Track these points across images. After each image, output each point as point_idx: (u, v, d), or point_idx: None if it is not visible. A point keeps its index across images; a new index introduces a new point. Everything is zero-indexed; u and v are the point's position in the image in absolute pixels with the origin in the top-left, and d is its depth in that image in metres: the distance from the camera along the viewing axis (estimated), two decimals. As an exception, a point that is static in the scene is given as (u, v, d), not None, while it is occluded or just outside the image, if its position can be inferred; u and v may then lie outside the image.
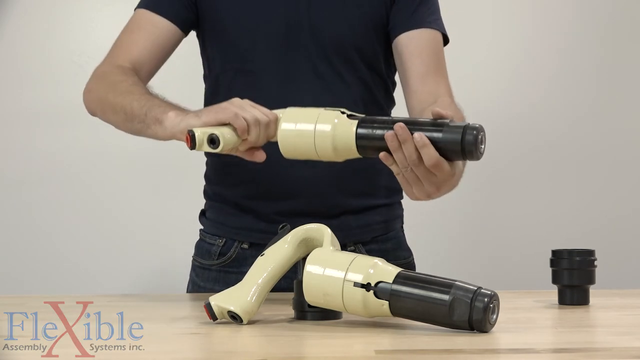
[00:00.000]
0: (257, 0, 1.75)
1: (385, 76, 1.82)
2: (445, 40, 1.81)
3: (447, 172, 1.39)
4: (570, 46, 2.91)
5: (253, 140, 1.48)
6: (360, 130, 1.42)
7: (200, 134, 1.45)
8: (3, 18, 2.73)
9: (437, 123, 1.38)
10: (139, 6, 1.81)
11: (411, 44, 1.76)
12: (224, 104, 1.50)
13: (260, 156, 1.53)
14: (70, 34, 2.87)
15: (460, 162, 1.46)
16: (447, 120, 1.38)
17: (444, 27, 1.81)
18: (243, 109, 1.48)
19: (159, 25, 1.77)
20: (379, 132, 1.40)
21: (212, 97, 1.81)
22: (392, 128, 1.38)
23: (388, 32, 1.79)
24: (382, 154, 1.40)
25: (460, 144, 1.35)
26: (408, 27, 1.77)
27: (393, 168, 1.42)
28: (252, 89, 1.74)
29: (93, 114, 1.76)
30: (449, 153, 1.37)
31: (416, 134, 1.36)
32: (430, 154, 1.36)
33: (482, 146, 1.37)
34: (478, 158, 1.36)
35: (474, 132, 1.35)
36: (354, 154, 1.44)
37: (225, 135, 1.46)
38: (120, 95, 1.65)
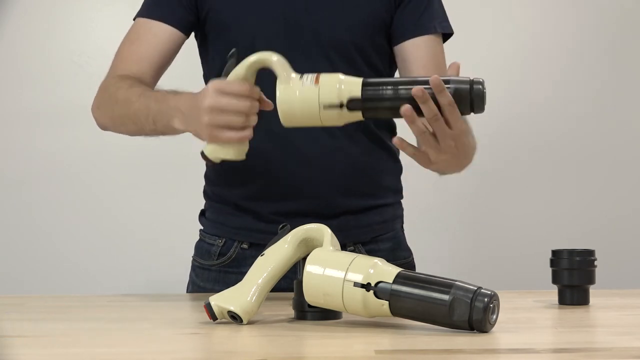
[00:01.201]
0: (257, 1, 1.75)
1: (387, 75, 1.82)
2: (449, 35, 1.82)
3: (460, 123, 1.43)
4: (572, 46, 2.91)
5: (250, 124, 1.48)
6: (367, 92, 1.41)
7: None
8: (3, 18, 2.73)
9: (444, 80, 1.41)
10: (139, 15, 1.81)
11: (416, 53, 1.78)
12: (203, 123, 1.46)
13: (268, 105, 1.51)
14: (70, 34, 2.87)
15: (471, 138, 1.55)
16: (451, 76, 1.42)
17: (449, 25, 1.82)
18: (218, 124, 1.45)
19: (160, 33, 1.77)
20: (388, 92, 1.41)
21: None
22: (397, 88, 1.40)
23: (390, 33, 1.79)
24: (405, 109, 1.39)
25: (469, 94, 1.40)
26: (414, 34, 1.78)
27: (414, 127, 1.42)
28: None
29: (105, 129, 1.77)
30: (458, 104, 1.41)
31: (432, 78, 1.39)
32: (446, 96, 1.39)
33: (486, 99, 1.41)
34: (483, 110, 1.41)
35: (481, 85, 1.40)
36: (359, 117, 1.43)
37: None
38: (124, 107, 1.65)
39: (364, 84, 1.42)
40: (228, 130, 1.46)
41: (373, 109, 1.43)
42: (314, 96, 1.41)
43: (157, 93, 1.64)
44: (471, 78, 1.41)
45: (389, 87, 1.41)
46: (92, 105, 1.77)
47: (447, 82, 1.41)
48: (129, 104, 1.65)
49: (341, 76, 1.43)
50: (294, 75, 1.43)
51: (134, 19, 1.82)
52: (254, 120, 1.48)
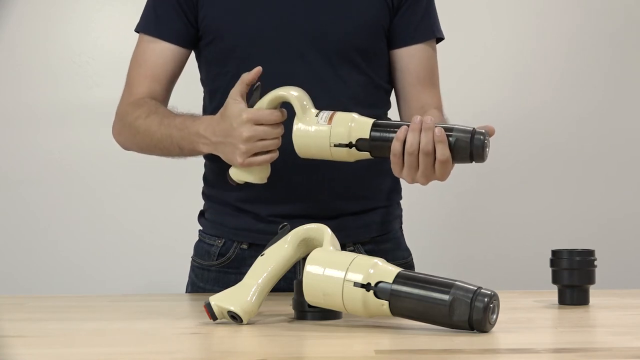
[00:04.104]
0: (254, 6, 1.74)
1: (386, 78, 1.82)
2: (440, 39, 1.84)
3: (447, 172, 1.49)
4: (573, 47, 2.90)
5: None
6: (374, 133, 1.49)
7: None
8: (3, 18, 2.73)
9: (447, 128, 1.47)
10: (141, 29, 1.81)
11: (411, 61, 1.80)
12: (240, 151, 1.56)
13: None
14: (70, 34, 2.87)
15: None
16: (456, 125, 1.48)
17: (441, 30, 1.83)
18: (255, 151, 1.56)
19: (163, 53, 1.78)
20: (392, 134, 1.49)
21: (210, 101, 1.81)
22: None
23: (388, 37, 1.79)
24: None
25: (469, 147, 1.45)
26: (410, 42, 1.80)
27: (396, 149, 1.48)
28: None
29: (129, 150, 1.83)
30: (457, 154, 1.47)
31: (437, 129, 1.46)
32: (444, 151, 1.46)
33: (487, 150, 1.47)
34: (483, 160, 1.47)
35: (482, 136, 1.45)
36: (367, 155, 1.52)
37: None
38: (145, 137, 1.72)
39: (373, 125, 1.50)
40: (261, 155, 1.58)
41: (379, 149, 1.51)
42: (326, 135, 1.52)
43: (177, 120, 1.69)
44: (474, 128, 1.46)
45: (396, 130, 1.49)
46: (113, 131, 1.82)
47: (450, 129, 1.47)
48: (150, 135, 1.72)
49: (355, 115, 1.52)
50: (313, 110, 1.54)
51: (136, 31, 1.82)
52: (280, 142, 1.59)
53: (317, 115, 1.53)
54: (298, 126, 1.53)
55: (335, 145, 1.51)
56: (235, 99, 1.58)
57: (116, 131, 1.82)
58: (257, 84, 1.56)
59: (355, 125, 1.51)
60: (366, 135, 1.50)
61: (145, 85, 1.78)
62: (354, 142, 1.50)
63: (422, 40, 1.80)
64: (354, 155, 1.52)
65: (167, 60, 1.78)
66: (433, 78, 1.82)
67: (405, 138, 1.48)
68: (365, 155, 1.52)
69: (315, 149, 1.53)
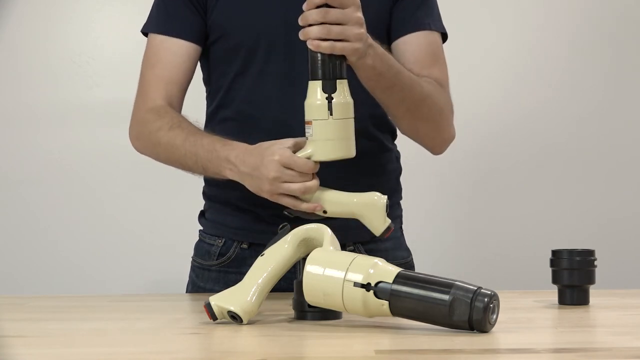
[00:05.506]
0: (258, 5, 1.74)
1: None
2: (445, 38, 1.82)
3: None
4: (573, 48, 2.90)
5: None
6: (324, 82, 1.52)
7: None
8: (3, 18, 2.73)
9: None
10: (151, 29, 1.78)
11: (408, 49, 1.77)
12: (264, 189, 1.56)
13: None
14: (70, 34, 2.87)
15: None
16: None
17: (443, 26, 1.82)
18: (278, 192, 1.55)
19: (179, 52, 1.75)
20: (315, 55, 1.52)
21: (211, 100, 1.81)
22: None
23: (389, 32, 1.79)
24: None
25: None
26: (407, 31, 1.77)
27: (324, 45, 1.50)
28: (252, 91, 1.74)
29: (144, 155, 1.81)
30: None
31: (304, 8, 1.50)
32: None
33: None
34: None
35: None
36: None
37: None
38: (167, 151, 1.70)
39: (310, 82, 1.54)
40: (287, 196, 1.56)
41: (331, 65, 1.52)
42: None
43: (205, 140, 1.66)
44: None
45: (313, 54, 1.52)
46: (130, 134, 1.79)
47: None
48: (173, 149, 1.69)
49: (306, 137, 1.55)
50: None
51: (144, 33, 1.80)
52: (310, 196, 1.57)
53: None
54: None
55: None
56: (278, 141, 1.57)
57: (134, 136, 1.78)
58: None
59: (307, 107, 1.53)
60: (319, 84, 1.51)
61: (162, 88, 1.74)
62: (328, 101, 1.51)
63: (416, 30, 1.77)
64: (346, 103, 1.52)
65: (183, 59, 1.75)
66: (435, 59, 1.78)
67: (316, 37, 1.50)
68: (343, 83, 1.52)
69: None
